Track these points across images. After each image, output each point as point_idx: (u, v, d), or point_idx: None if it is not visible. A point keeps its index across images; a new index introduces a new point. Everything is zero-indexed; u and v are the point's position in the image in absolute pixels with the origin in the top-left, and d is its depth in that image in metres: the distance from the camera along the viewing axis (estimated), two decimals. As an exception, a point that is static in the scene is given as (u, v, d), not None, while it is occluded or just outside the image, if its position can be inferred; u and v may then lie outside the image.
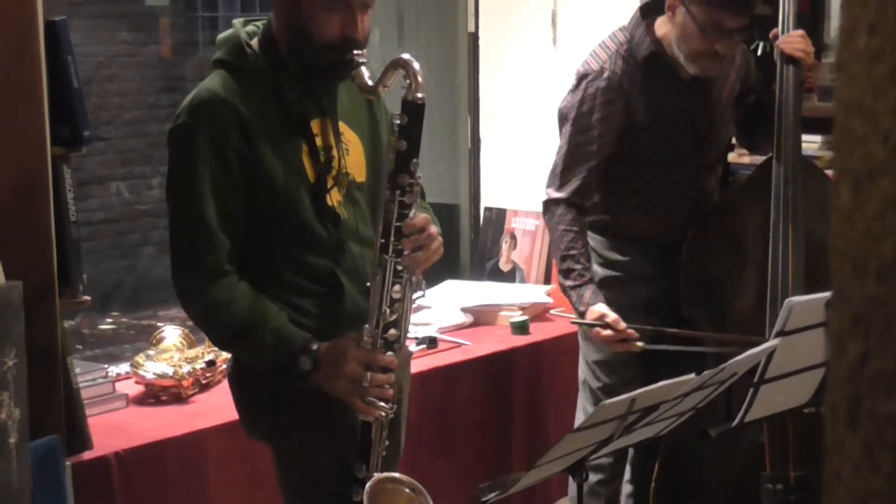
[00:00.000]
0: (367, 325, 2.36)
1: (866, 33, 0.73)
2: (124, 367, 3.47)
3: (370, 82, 2.34)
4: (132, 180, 5.17)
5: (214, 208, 2.32)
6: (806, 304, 2.53)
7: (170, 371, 3.31)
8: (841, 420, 0.74)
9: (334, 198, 2.44)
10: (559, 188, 3.22)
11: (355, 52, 2.33)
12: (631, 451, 3.41)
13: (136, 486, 2.95)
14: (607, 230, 3.33)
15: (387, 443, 2.41)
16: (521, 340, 3.97)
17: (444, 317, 4.03)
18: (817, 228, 3.11)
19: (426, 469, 3.22)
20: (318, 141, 2.42)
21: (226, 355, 3.13)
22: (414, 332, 3.65)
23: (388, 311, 2.36)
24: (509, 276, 4.50)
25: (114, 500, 2.90)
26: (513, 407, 3.89)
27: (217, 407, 3.20)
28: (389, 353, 2.37)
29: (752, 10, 3.12)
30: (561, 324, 4.06)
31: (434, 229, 2.40)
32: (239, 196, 2.35)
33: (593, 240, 3.32)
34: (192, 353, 3.42)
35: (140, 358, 3.35)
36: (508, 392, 3.89)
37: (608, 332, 3.09)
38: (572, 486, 2.73)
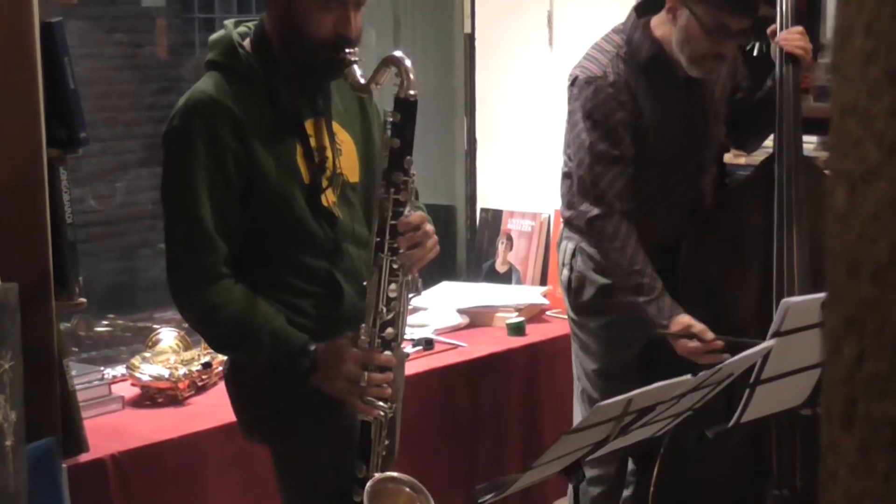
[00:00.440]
0: (363, 325, 2.36)
1: (862, 34, 0.73)
2: (120, 370, 3.47)
3: (362, 80, 2.34)
4: (128, 182, 5.16)
5: (210, 210, 2.32)
6: (802, 304, 2.53)
7: (166, 373, 3.31)
8: (836, 421, 0.74)
9: (329, 198, 2.43)
10: (596, 202, 3.10)
11: (347, 50, 2.34)
12: (631, 463, 3.40)
13: (132, 489, 2.95)
14: None
15: (386, 442, 2.41)
16: (517, 342, 3.97)
17: (440, 318, 4.03)
18: (820, 228, 3.10)
19: (422, 471, 3.21)
20: (312, 141, 2.42)
21: (222, 357, 3.13)
22: (410, 333, 3.65)
23: (384, 309, 2.35)
24: (505, 278, 4.49)
25: (110, 503, 2.90)
26: (509, 408, 3.89)
27: (213, 409, 3.20)
28: (387, 352, 2.36)
29: (756, 10, 3.08)
30: (557, 325, 4.06)
31: (429, 227, 2.40)
32: (234, 198, 2.35)
33: None
34: (188, 355, 3.42)
35: (136, 360, 3.35)
36: (505, 393, 3.88)
37: (695, 343, 2.97)
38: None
